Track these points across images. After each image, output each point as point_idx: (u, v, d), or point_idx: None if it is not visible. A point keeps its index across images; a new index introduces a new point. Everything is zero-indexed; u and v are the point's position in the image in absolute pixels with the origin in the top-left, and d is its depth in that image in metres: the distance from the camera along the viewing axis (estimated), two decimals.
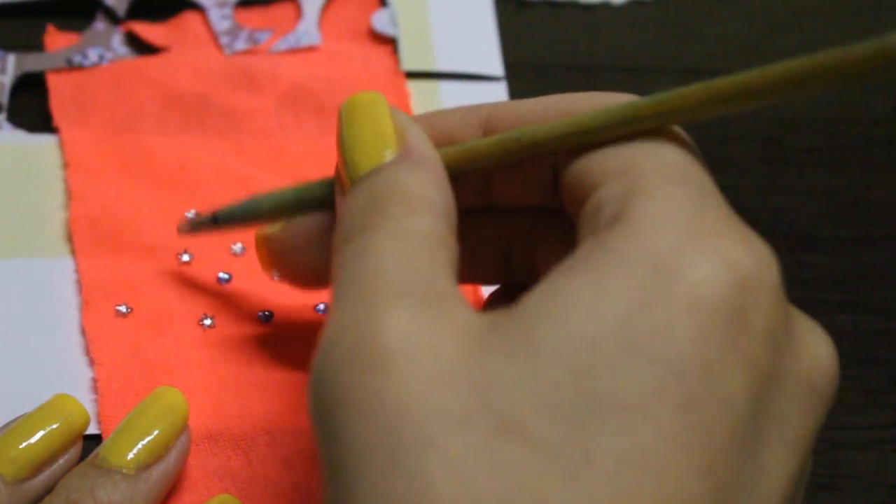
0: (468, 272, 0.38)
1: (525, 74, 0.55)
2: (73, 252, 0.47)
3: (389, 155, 0.36)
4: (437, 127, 0.39)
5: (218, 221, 0.44)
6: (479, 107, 0.39)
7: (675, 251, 0.31)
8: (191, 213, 0.48)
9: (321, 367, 0.32)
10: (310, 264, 0.42)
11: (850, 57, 0.30)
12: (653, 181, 0.33)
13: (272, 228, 0.42)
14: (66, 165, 0.49)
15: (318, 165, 0.51)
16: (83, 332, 0.45)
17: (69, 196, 0.49)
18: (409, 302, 0.32)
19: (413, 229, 0.34)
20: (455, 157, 0.38)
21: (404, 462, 0.29)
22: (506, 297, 0.40)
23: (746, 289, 0.31)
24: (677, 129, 0.35)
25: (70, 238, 0.47)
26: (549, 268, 0.33)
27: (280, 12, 0.56)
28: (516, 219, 0.40)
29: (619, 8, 0.58)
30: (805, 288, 0.48)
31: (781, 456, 0.32)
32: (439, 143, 0.38)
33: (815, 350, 0.33)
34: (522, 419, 0.29)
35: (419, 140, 0.37)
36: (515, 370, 0.30)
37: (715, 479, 0.30)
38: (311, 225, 0.41)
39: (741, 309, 0.31)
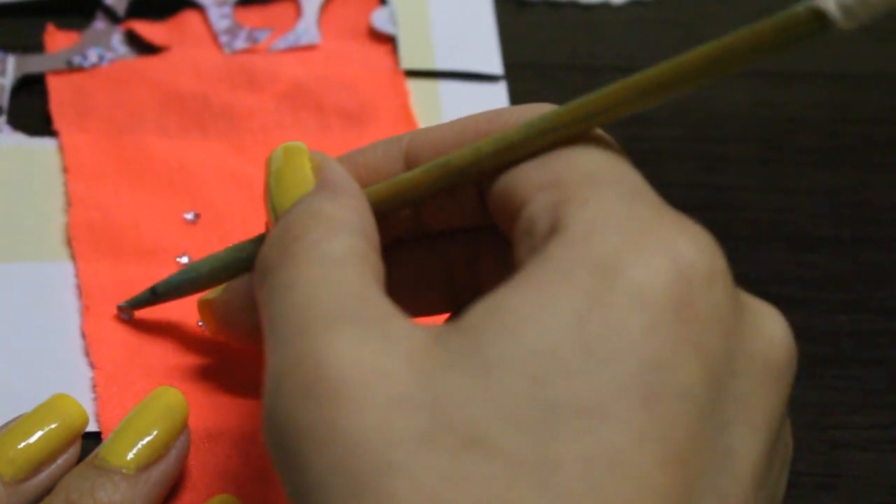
0: (413, 305, 0.37)
1: (525, 74, 0.55)
2: (73, 256, 0.47)
3: (305, 190, 0.37)
4: (360, 164, 0.39)
5: (157, 294, 0.44)
6: (398, 138, 0.39)
7: (616, 253, 0.31)
8: (189, 215, 0.48)
9: (274, 406, 0.31)
10: (253, 323, 0.40)
11: (760, 34, 0.32)
12: (582, 188, 0.33)
13: (213, 293, 0.42)
14: (65, 169, 0.49)
15: None
16: (83, 337, 0.45)
17: (69, 200, 0.48)
18: (348, 327, 0.31)
19: (335, 250, 0.34)
20: (384, 192, 0.38)
21: (371, 487, 0.29)
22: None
23: (690, 278, 0.31)
24: (599, 131, 0.35)
25: (70, 242, 0.47)
26: (493, 285, 0.33)
27: (279, 11, 0.56)
28: (452, 242, 0.40)
29: (620, 8, 0.58)
30: (805, 288, 0.48)
31: (747, 437, 0.32)
32: (364, 179, 0.38)
33: (768, 330, 0.33)
34: (485, 432, 0.29)
35: (335, 171, 0.37)
36: (470, 384, 0.30)
37: (682, 468, 0.30)
38: (250, 284, 0.41)
39: (687, 299, 0.31)
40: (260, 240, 0.40)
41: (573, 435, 0.29)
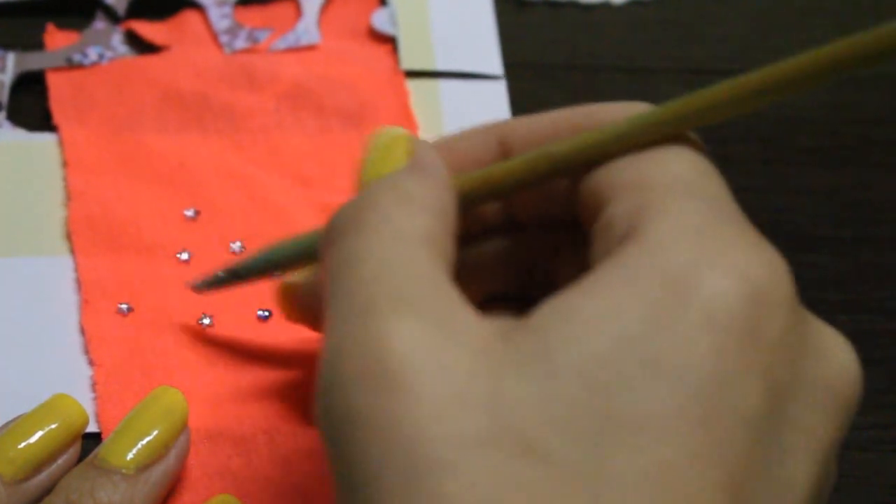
0: (486, 291, 0.38)
1: (525, 74, 0.55)
2: (73, 251, 0.47)
3: (392, 169, 0.36)
4: (455, 150, 0.39)
5: (237, 275, 0.43)
6: (493, 125, 0.39)
7: (689, 266, 0.31)
8: (189, 211, 0.48)
9: (329, 387, 0.31)
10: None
11: (866, 42, 0.31)
12: (664, 196, 0.33)
13: (296, 277, 0.42)
14: (65, 164, 0.49)
15: (317, 164, 0.51)
16: (82, 332, 0.45)
17: (68, 195, 0.49)
18: (413, 313, 0.31)
19: (409, 230, 0.33)
20: (481, 179, 0.37)
21: (424, 486, 0.29)
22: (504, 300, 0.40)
23: (760, 301, 0.31)
24: (693, 135, 0.35)
25: (69, 237, 0.47)
26: (567, 280, 0.32)
27: (280, 11, 0.56)
28: (535, 235, 0.40)
29: (620, 8, 0.58)
30: (805, 288, 0.48)
31: (806, 465, 0.32)
32: (459, 165, 0.38)
33: (835, 357, 0.33)
34: (542, 439, 0.29)
35: (426, 154, 0.36)
36: (532, 389, 0.30)
37: (736, 493, 0.30)
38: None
39: (756, 321, 0.31)
40: None
41: (630, 450, 0.29)
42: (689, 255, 0.31)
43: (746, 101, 0.33)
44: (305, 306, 0.42)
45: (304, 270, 0.42)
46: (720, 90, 0.34)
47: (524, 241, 0.40)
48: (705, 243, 0.31)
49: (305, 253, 0.41)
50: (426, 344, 0.30)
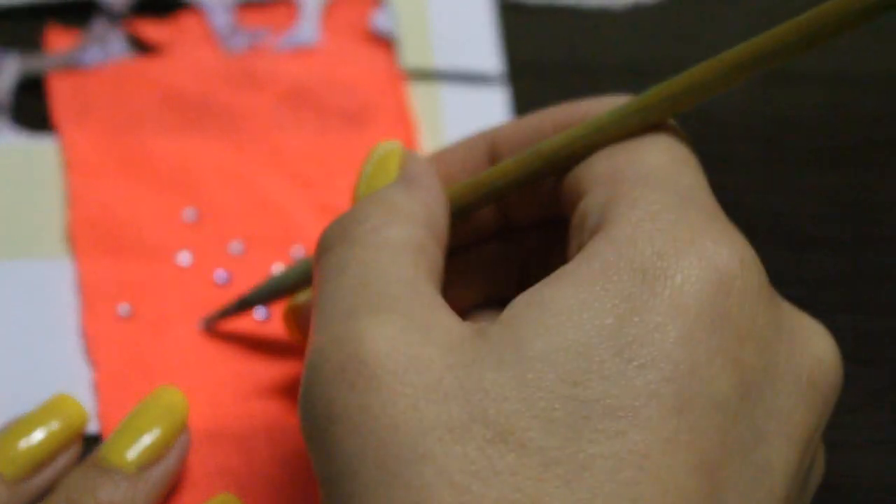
0: (487, 292, 0.39)
1: (526, 76, 0.55)
2: (74, 253, 0.47)
3: (385, 181, 0.37)
4: (448, 161, 0.39)
5: (249, 304, 0.44)
6: (484, 133, 0.40)
7: (656, 257, 0.32)
8: (190, 213, 0.48)
9: (310, 385, 0.32)
10: None
11: (850, 2, 0.32)
12: (634, 188, 0.33)
13: (299, 298, 0.42)
14: (66, 166, 0.49)
15: (317, 165, 0.51)
16: (83, 334, 0.45)
17: (69, 197, 0.49)
18: (393, 315, 0.32)
19: (392, 238, 0.34)
20: (474, 186, 0.38)
21: (400, 476, 0.29)
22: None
23: (728, 289, 0.32)
24: (673, 125, 0.35)
25: (70, 239, 0.47)
26: None
27: (280, 12, 0.56)
28: (531, 236, 0.41)
29: (620, 10, 0.58)
30: (805, 288, 0.48)
31: (784, 452, 0.32)
32: (453, 175, 0.39)
33: (814, 347, 0.34)
34: (516, 426, 0.30)
35: (415, 165, 0.37)
36: (506, 378, 0.30)
37: (710, 476, 0.30)
38: None
39: (725, 309, 0.31)
40: None
41: (604, 436, 0.30)
42: (658, 245, 0.32)
43: (720, 80, 0.34)
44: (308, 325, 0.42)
45: (308, 292, 0.42)
46: (694, 72, 0.34)
47: (518, 244, 0.41)
48: (674, 233, 0.32)
49: (308, 276, 0.42)
50: (402, 341, 0.31)
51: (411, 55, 0.54)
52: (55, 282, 0.46)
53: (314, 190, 0.50)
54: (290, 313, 0.42)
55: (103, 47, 0.53)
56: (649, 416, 0.30)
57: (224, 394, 0.44)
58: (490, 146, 0.39)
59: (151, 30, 0.54)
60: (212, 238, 0.48)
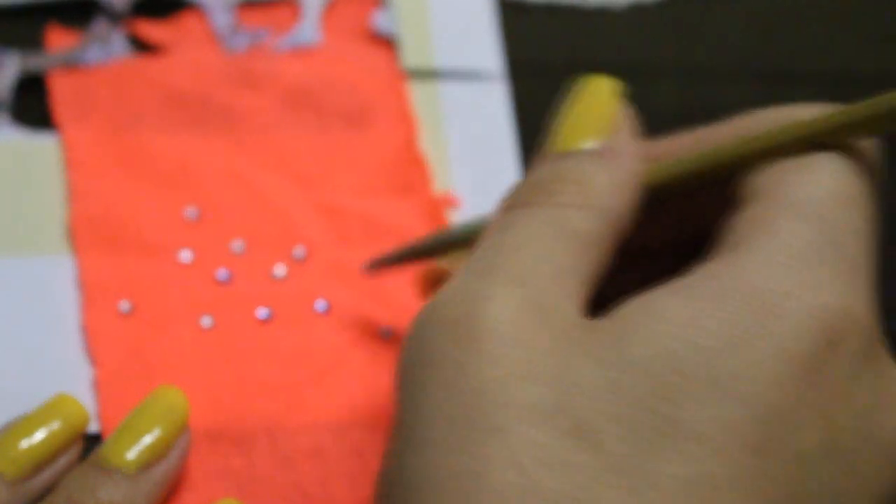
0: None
1: (526, 75, 0.55)
2: (74, 251, 0.47)
3: (590, 144, 0.36)
4: (647, 150, 0.38)
5: (415, 255, 0.44)
6: (682, 135, 0.38)
7: (776, 295, 0.31)
8: (191, 212, 0.48)
9: (419, 327, 0.32)
10: None
11: None
12: (783, 215, 0.33)
13: (440, 263, 0.42)
14: (66, 164, 0.49)
15: (318, 164, 0.51)
16: (84, 332, 0.45)
17: (70, 195, 0.49)
18: (523, 290, 0.32)
19: (572, 222, 0.34)
20: (667, 171, 0.37)
21: (468, 440, 0.29)
22: None
23: (838, 349, 0.31)
24: (865, 144, 0.35)
25: (71, 237, 0.48)
26: None
27: (281, 12, 0.56)
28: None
29: (620, 10, 0.58)
30: None
31: None
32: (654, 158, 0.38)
33: None
34: (597, 426, 0.30)
35: (624, 141, 0.36)
36: (599, 376, 0.30)
37: None
38: None
39: (828, 367, 0.31)
40: None
41: (679, 457, 0.29)
42: (783, 285, 0.31)
43: None
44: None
45: (448, 259, 0.43)
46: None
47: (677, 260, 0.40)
48: (803, 276, 0.31)
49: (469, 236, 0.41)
50: (518, 316, 0.31)
51: (412, 55, 0.54)
52: (56, 279, 0.46)
53: (315, 189, 0.50)
54: (432, 278, 0.43)
55: (104, 47, 0.53)
56: (728, 449, 0.30)
57: (225, 393, 0.44)
58: (695, 141, 0.38)
59: (152, 30, 0.54)
60: (213, 236, 0.48)
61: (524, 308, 0.31)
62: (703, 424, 0.30)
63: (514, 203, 0.35)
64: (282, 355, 0.45)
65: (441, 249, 0.43)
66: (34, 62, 0.53)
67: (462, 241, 0.42)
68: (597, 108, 0.37)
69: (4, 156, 0.50)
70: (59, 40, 0.53)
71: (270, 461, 0.42)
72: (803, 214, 0.33)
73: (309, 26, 0.55)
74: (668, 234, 0.40)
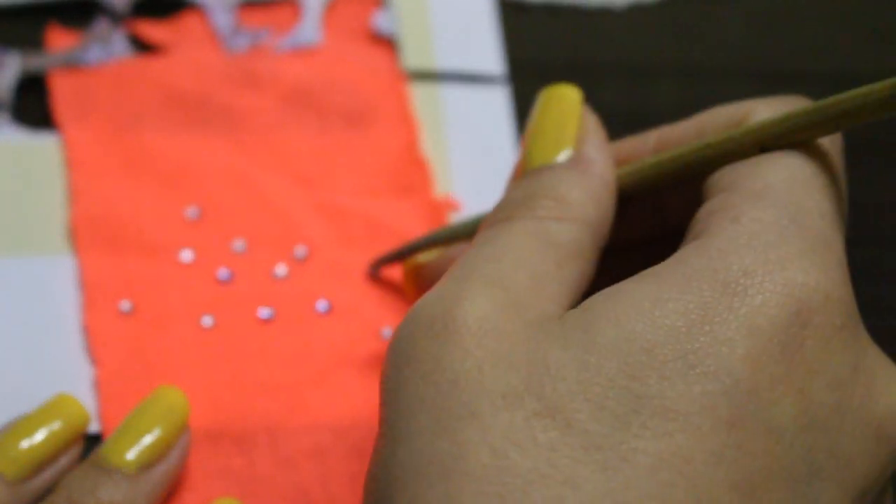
0: None
1: (526, 75, 0.55)
2: (75, 251, 0.47)
3: (563, 156, 0.37)
4: (616, 151, 0.39)
5: (415, 250, 0.45)
6: (648, 133, 0.39)
7: (743, 274, 0.32)
8: (191, 212, 0.48)
9: (402, 328, 0.33)
10: None
11: None
12: (745, 202, 0.33)
13: (424, 258, 0.43)
14: (67, 164, 0.49)
15: (319, 165, 0.51)
16: (85, 331, 0.45)
17: (71, 195, 0.49)
18: (502, 292, 0.33)
19: (553, 233, 0.35)
20: (644, 169, 0.38)
21: (449, 428, 0.30)
22: None
23: (807, 322, 0.32)
24: (826, 143, 0.35)
25: (72, 237, 0.48)
26: None
27: (282, 12, 0.56)
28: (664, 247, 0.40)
29: (620, 10, 0.58)
30: None
31: (834, 492, 0.32)
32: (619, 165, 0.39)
33: (888, 396, 0.33)
34: (567, 406, 0.30)
35: (595, 150, 0.37)
36: (569, 358, 0.31)
37: (752, 498, 0.30)
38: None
39: (799, 340, 0.31)
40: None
41: (651, 434, 0.30)
42: (748, 263, 0.32)
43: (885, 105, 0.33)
44: (427, 287, 0.43)
45: (432, 252, 0.43)
46: (863, 93, 0.33)
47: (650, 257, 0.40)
48: (766, 255, 0.32)
49: (465, 233, 0.43)
50: (494, 312, 0.32)
51: (413, 56, 0.54)
52: (57, 279, 0.47)
53: (316, 190, 0.50)
54: (412, 271, 0.43)
55: (105, 47, 0.53)
56: (700, 424, 0.30)
57: (225, 393, 0.44)
58: (659, 142, 0.39)
59: (153, 30, 0.54)
60: (214, 236, 0.48)
61: (499, 305, 0.32)
62: (673, 401, 0.30)
63: (496, 219, 0.36)
64: (283, 355, 0.45)
65: (441, 246, 0.44)
66: (35, 62, 0.53)
67: (461, 237, 0.43)
68: (564, 118, 0.38)
69: (5, 156, 0.50)
70: (60, 40, 0.53)
71: (271, 461, 0.42)
72: (764, 200, 0.33)
73: (310, 27, 0.55)
74: (635, 233, 0.40)
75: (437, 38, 0.55)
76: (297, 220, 0.49)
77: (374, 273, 0.47)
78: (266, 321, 0.46)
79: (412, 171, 0.51)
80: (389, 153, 0.51)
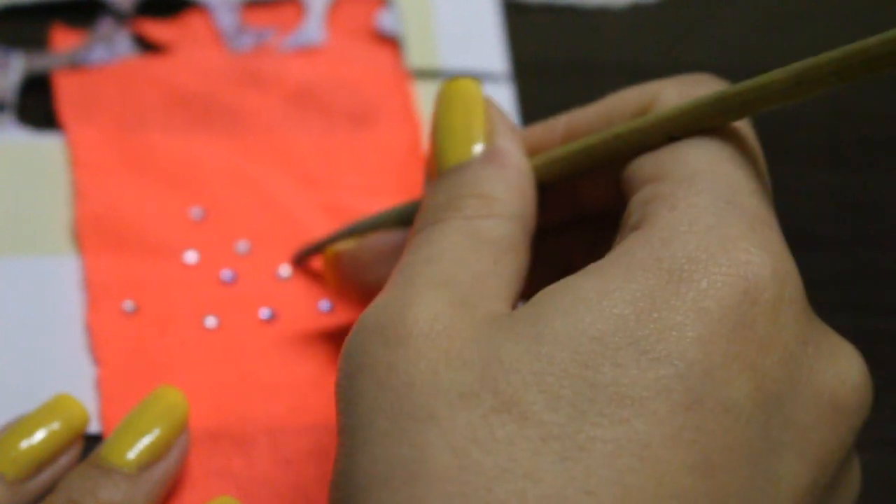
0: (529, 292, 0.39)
1: (527, 74, 0.55)
2: (79, 250, 0.47)
3: (477, 150, 0.37)
4: (525, 139, 0.39)
5: (333, 240, 0.44)
6: (560, 117, 0.39)
7: (687, 261, 0.32)
8: (196, 212, 0.49)
9: (352, 337, 0.33)
10: (375, 280, 0.41)
11: None
12: (678, 189, 0.33)
13: (344, 245, 0.43)
14: (72, 164, 0.50)
15: (324, 165, 0.51)
16: (88, 331, 0.45)
17: (75, 195, 0.49)
18: (448, 293, 0.33)
19: (484, 230, 0.35)
20: (555, 161, 0.38)
21: (407, 432, 0.30)
22: None
23: (755, 299, 0.32)
24: (738, 123, 0.35)
25: (76, 236, 0.48)
26: None
27: (286, 12, 0.56)
28: (578, 232, 0.41)
29: (621, 10, 0.58)
30: (805, 288, 0.48)
31: (795, 466, 0.32)
32: (529, 152, 0.38)
33: (840, 367, 0.34)
34: (522, 398, 0.30)
35: (507, 141, 0.37)
36: (521, 351, 0.31)
37: (712, 478, 0.30)
38: (386, 241, 0.42)
39: (749, 318, 0.31)
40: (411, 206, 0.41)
41: (607, 421, 0.30)
42: (691, 248, 0.32)
43: (795, 89, 0.34)
44: (347, 273, 0.43)
45: (349, 241, 0.43)
46: (772, 76, 0.34)
47: (565, 241, 0.41)
48: (707, 239, 0.32)
49: (385, 223, 0.42)
50: (443, 313, 0.32)
51: (417, 55, 0.54)
52: (60, 279, 0.47)
53: (320, 190, 0.50)
54: (332, 259, 0.43)
55: (109, 47, 0.53)
56: (656, 409, 0.30)
57: (226, 393, 0.44)
58: (567, 128, 0.39)
59: (157, 29, 0.54)
60: (218, 237, 0.48)
61: (446, 304, 0.32)
62: (626, 387, 0.30)
63: (425, 223, 0.36)
64: (285, 356, 0.45)
65: (358, 236, 0.43)
66: (39, 62, 0.53)
67: (377, 227, 0.42)
68: (469, 112, 0.38)
69: (10, 156, 0.50)
70: (65, 40, 0.54)
71: (271, 462, 0.42)
72: (697, 183, 0.33)
73: (314, 26, 0.55)
74: (548, 220, 0.40)
75: (440, 37, 0.55)
76: (301, 220, 0.49)
77: (299, 263, 0.47)
78: (268, 322, 0.46)
79: (416, 171, 0.51)
80: (393, 152, 0.51)
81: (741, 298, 0.31)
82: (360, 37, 0.55)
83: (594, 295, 0.32)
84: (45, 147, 0.50)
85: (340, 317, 0.46)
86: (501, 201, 0.35)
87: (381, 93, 0.53)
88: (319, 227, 0.49)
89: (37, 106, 0.52)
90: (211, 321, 0.46)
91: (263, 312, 0.46)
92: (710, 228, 0.32)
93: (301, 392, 0.44)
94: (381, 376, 0.32)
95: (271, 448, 0.43)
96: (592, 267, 0.33)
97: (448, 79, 0.39)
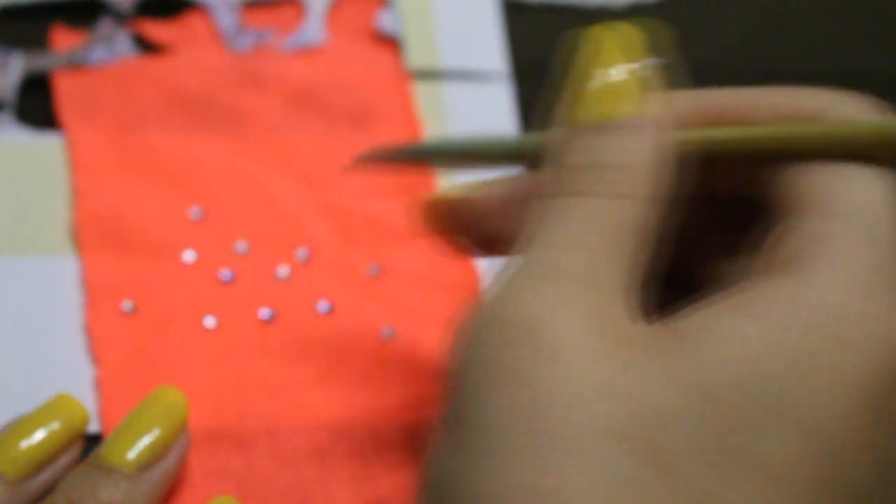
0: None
1: (527, 74, 0.55)
2: (79, 250, 0.47)
3: (628, 112, 0.33)
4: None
5: (416, 153, 0.40)
6: (707, 93, 0.36)
7: (850, 323, 0.30)
8: (195, 212, 0.48)
9: (481, 325, 0.31)
10: (489, 233, 0.38)
11: None
12: (841, 233, 0.32)
13: (451, 193, 0.39)
14: (71, 164, 0.50)
15: (323, 165, 0.51)
16: (87, 331, 0.45)
17: (75, 195, 0.49)
18: (586, 294, 0.31)
19: (625, 218, 0.32)
20: (714, 141, 0.34)
21: (544, 459, 0.29)
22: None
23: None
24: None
25: (75, 236, 0.48)
26: (713, 275, 0.33)
27: (285, 12, 0.56)
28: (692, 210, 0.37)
29: (620, 10, 0.58)
30: None
31: None
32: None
33: None
34: (672, 453, 0.29)
35: (660, 107, 0.34)
36: (673, 400, 0.29)
37: None
38: (508, 192, 0.38)
39: (886, 399, 0.31)
40: (531, 139, 0.36)
41: (747, 487, 0.29)
42: (855, 311, 0.31)
43: None
44: (460, 223, 0.40)
45: (458, 189, 0.39)
46: None
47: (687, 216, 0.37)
48: (868, 302, 0.31)
49: (504, 154, 0.38)
50: (582, 324, 0.30)
51: (417, 55, 0.54)
52: (59, 279, 0.47)
53: (320, 190, 0.50)
54: (441, 206, 0.40)
55: (109, 47, 0.53)
56: (790, 479, 0.29)
57: (226, 393, 0.44)
58: (723, 107, 0.35)
59: (157, 30, 0.54)
60: (217, 237, 0.48)
61: (586, 314, 0.30)
62: (769, 452, 0.29)
63: (561, 190, 0.32)
64: (284, 356, 0.45)
65: (461, 163, 0.40)
66: (39, 62, 0.53)
67: (489, 157, 0.38)
68: (624, 66, 0.34)
69: (9, 156, 0.50)
70: (64, 40, 0.54)
71: (270, 461, 0.42)
72: (861, 232, 0.32)
73: (314, 26, 0.55)
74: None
75: (440, 37, 0.55)
76: (300, 220, 0.49)
77: (361, 165, 0.42)
78: (267, 322, 0.46)
79: (415, 171, 0.51)
80: None
81: (888, 377, 0.30)
82: (360, 37, 0.55)
83: (750, 346, 0.30)
84: (45, 147, 0.50)
85: (339, 317, 0.46)
86: (644, 180, 0.32)
87: (380, 93, 0.53)
88: (319, 228, 0.49)
89: (36, 106, 0.52)
90: (210, 321, 0.46)
91: (263, 312, 0.46)
92: (872, 290, 0.31)
93: (301, 392, 0.44)
94: (517, 385, 0.29)
95: (271, 448, 0.43)
96: (748, 304, 0.31)
97: (608, 23, 0.35)
